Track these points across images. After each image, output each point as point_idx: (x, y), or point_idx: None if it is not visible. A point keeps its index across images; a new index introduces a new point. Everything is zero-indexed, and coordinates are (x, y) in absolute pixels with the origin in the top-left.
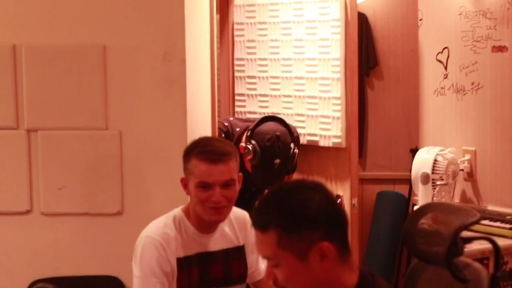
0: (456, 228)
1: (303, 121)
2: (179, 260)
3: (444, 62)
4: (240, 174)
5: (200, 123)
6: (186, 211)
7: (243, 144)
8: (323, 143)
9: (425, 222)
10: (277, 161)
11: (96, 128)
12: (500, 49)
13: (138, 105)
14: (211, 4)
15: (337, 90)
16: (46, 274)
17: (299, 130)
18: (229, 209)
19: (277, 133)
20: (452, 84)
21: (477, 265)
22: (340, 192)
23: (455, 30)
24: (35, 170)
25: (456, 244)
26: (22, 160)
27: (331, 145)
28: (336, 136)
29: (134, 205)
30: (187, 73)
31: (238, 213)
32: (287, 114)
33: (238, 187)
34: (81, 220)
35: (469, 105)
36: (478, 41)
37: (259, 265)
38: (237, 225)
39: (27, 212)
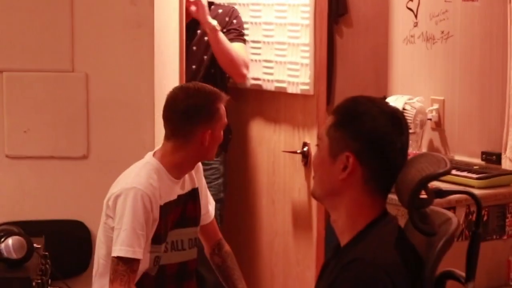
0: (423, 177)
1: (271, 67)
2: (161, 208)
3: (414, 10)
4: None
5: (168, 66)
6: (163, 161)
7: None
8: (291, 90)
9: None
10: None
11: (63, 70)
12: None
13: (105, 48)
14: None
15: (305, 36)
16: (10, 218)
17: (267, 77)
18: None
19: None
20: (422, 33)
21: (445, 211)
22: (307, 140)
23: None
24: None
25: (419, 193)
26: None
27: (299, 92)
28: (304, 83)
29: (100, 149)
30: (155, 15)
31: None
32: (255, 60)
33: None
34: (46, 164)
35: (438, 54)
36: None
37: (208, 208)
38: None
39: None
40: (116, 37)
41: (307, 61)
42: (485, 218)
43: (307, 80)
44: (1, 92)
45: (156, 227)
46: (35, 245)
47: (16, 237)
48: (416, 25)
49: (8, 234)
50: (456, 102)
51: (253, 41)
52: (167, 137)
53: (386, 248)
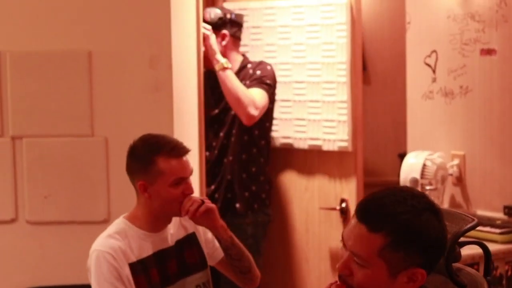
0: (454, 233)
1: (303, 125)
2: (132, 265)
3: (433, 65)
4: None
5: (187, 129)
6: (130, 218)
7: None
8: (327, 147)
9: None
10: None
11: (82, 135)
12: (489, 52)
13: (124, 112)
14: (197, 9)
15: (342, 93)
16: (32, 284)
17: (299, 135)
18: None
19: None
20: (441, 88)
21: (469, 269)
22: (345, 196)
23: (443, 33)
24: (20, 178)
25: (454, 249)
26: (7, 168)
27: (336, 149)
28: (342, 140)
29: (120, 212)
30: (173, 79)
31: None
32: (286, 119)
33: None
34: (67, 228)
35: (458, 109)
36: (467, 44)
37: (216, 244)
38: None
39: (12, 220)
40: (135, 101)
41: (344, 118)
42: (509, 273)
43: (346, 137)
44: (21, 158)
45: (136, 284)
46: None
47: None
48: (434, 80)
49: None
50: (476, 156)
51: (283, 100)
52: None
53: None
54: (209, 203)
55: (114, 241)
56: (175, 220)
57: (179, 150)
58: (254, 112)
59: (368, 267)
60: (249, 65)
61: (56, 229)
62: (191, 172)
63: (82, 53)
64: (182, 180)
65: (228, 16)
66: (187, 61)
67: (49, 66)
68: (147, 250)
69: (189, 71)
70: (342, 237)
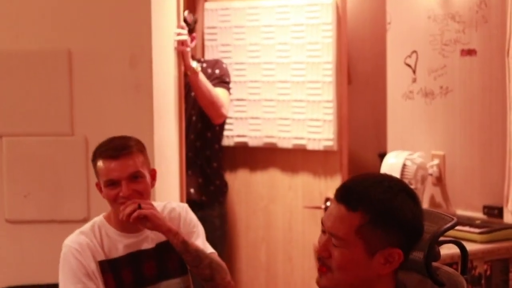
0: (433, 233)
1: (287, 125)
2: (101, 263)
3: (413, 65)
4: (154, 169)
5: (167, 129)
6: (107, 217)
7: None
8: (312, 146)
9: None
10: None
11: (62, 134)
12: (469, 52)
13: (104, 111)
14: (177, 8)
15: (328, 93)
16: (11, 283)
17: (283, 134)
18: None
19: None
20: (421, 88)
21: (447, 268)
22: (330, 195)
23: (423, 33)
24: None
25: (433, 248)
26: None
27: (321, 148)
28: (327, 139)
29: (100, 211)
30: (153, 78)
31: (170, 206)
32: (269, 119)
33: (151, 181)
34: (47, 227)
35: (438, 109)
36: (447, 45)
37: (205, 250)
38: (169, 217)
39: None
40: (115, 100)
41: (330, 117)
42: (488, 272)
43: (331, 136)
44: (0, 157)
45: (104, 282)
46: None
47: None
48: (414, 80)
49: None
50: (456, 156)
51: (267, 100)
52: None
53: None
54: (145, 210)
55: (84, 238)
56: None
57: (111, 153)
58: (225, 112)
59: (346, 246)
60: (204, 65)
61: (36, 228)
62: (124, 175)
63: (62, 52)
64: (115, 182)
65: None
66: (167, 61)
67: (28, 65)
68: (119, 250)
69: (169, 71)
70: (322, 221)
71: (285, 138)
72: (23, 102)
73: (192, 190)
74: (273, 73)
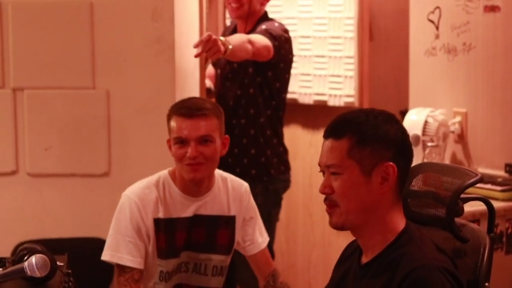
0: (457, 187)
1: (309, 81)
2: (157, 221)
3: (436, 22)
4: (227, 136)
5: (189, 83)
6: (172, 174)
7: None
8: (333, 102)
9: (415, 183)
10: None
11: (83, 87)
12: (492, 9)
13: (125, 64)
14: None
15: (350, 49)
16: (32, 236)
17: (304, 90)
18: (208, 168)
19: None
20: (443, 44)
21: (473, 225)
22: None
23: None
24: (21, 130)
25: (457, 203)
26: (7, 119)
27: (342, 104)
28: (348, 95)
29: (121, 166)
30: (175, 32)
31: (237, 183)
32: (291, 74)
33: (221, 148)
34: (67, 181)
35: (460, 66)
36: (470, 1)
37: (255, 238)
38: (232, 194)
39: (13, 172)
40: (137, 53)
41: (351, 73)
42: (509, 230)
43: (352, 92)
44: (22, 110)
45: (156, 239)
46: (58, 263)
47: (40, 255)
48: (437, 37)
49: (32, 252)
50: (479, 114)
51: None
52: None
53: (435, 252)
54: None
55: (148, 192)
56: (224, 194)
57: (186, 111)
58: (249, 46)
59: (343, 172)
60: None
61: (57, 181)
62: (195, 136)
63: (84, 5)
64: (184, 141)
65: None
66: (190, 15)
67: (50, 17)
68: (178, 211)
69: (191, 25)
70: (319, 164)
71: (306, 94)
72: (45, 55)
73: None
74: (296, 28)
